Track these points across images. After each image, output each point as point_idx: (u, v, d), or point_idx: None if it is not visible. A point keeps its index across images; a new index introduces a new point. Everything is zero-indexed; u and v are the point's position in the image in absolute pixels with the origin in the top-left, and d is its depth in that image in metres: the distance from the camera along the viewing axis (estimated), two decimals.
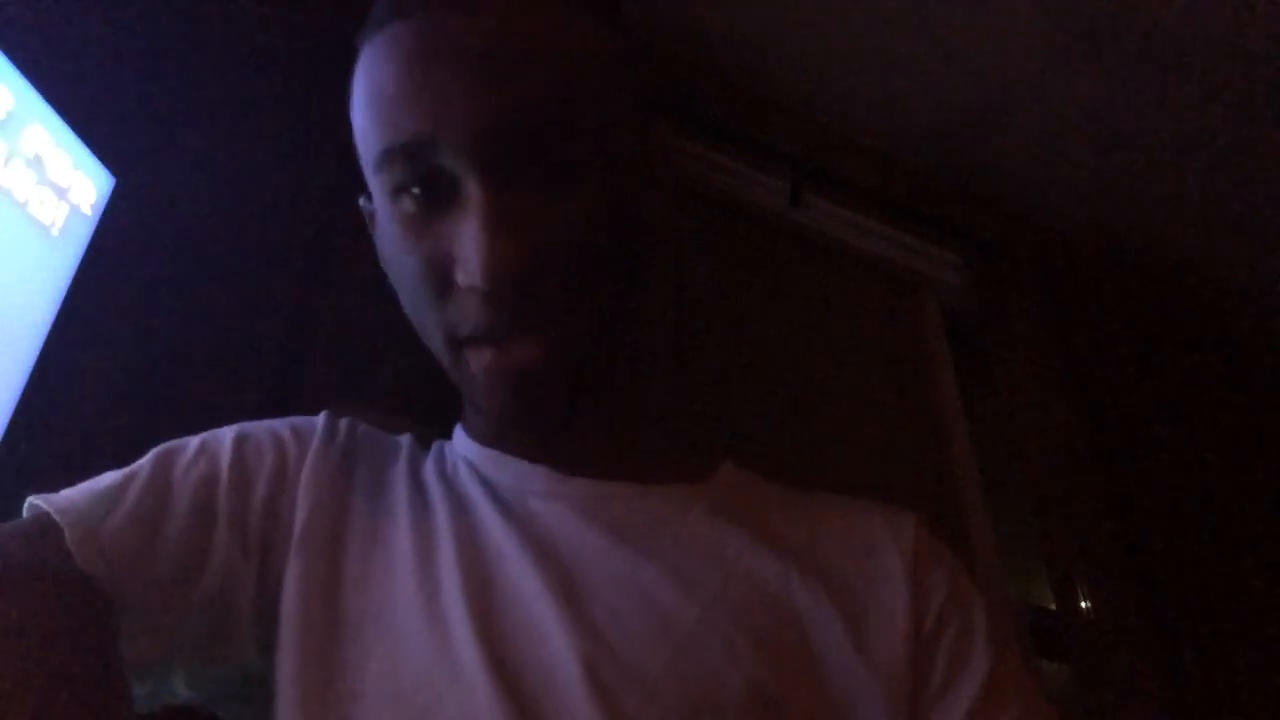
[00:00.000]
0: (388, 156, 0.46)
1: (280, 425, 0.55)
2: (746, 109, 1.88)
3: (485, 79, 0.44)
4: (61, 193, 0.97)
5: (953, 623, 0.50)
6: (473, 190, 0.44)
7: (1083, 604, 1.59)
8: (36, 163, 0.94)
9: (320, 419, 0.56)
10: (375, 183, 0.49)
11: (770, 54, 1.86)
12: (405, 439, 0.58)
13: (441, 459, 0.57)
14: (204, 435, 0.52)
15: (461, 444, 0.58)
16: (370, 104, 0.47)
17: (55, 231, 0.96)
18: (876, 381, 1.73)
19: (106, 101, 1.12)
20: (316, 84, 1.32)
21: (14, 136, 0.92)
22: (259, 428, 0.54)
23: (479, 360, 0.47)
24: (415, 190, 0.46)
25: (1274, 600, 1.83)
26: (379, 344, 1.34)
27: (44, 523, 0.44)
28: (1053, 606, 1.63)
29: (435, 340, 0.50)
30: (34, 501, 0.46)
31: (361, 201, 0.57)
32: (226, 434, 0.52)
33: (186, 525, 0.46)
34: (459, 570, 0.47)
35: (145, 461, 0.49)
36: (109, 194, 1.05)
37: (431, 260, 0.46)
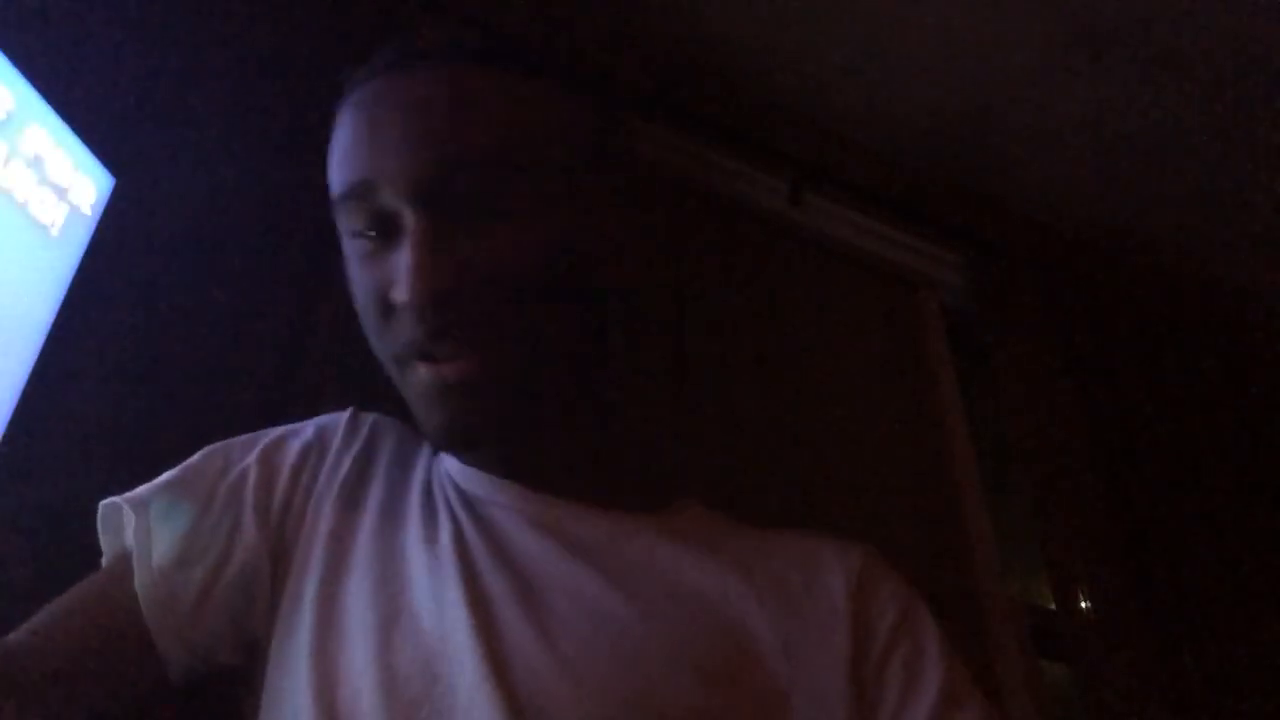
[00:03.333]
0: (342, 199, 0.54)
1: (307, 425, 0.63)
2: (746, 109, 1.88)
3: (417, 132, 0.51)
4: (61, 193, 0.97)
5: (902, 645, 0.53)
6: (408, 223, 0.51)
7: (1083, 604, 1.59)
8: (36, 163, 0.94)
9: (344, 417, 0.64)
10: (339, 222, 0.56)
11: (770, 54, 1.86)
12: (426, 446, 0.64)
13: (445, 488, 0.62)
14: (244, 437, 0.62)
15: (445, 458, 0.64)
16: (332, 156, 0.56)
17: (55, 232, 0.96)
18: (876, 382, 1.73)
19: (106, 101, 1.12)
20: (316, 84, 1.31)
21: (14, 136, 0.92)
22: (287, 430, 0.62)
23: (418, 376, 0.53)
24: (369, 232, 0.53)
25: (1274, 600, 1.83)
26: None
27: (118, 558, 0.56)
28: (1053, 606, 1.63)
29: (384, 358, 0.56)
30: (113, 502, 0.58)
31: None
32: (260, 436, 0.62)
33: (217, 522, 0.56)
34: (426, 566, 0.54)
35: (194, 460, 0.60)
36: (109, 194, 1.05)
37: (378, 286, 0.53)
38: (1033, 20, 1.74)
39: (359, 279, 0.55)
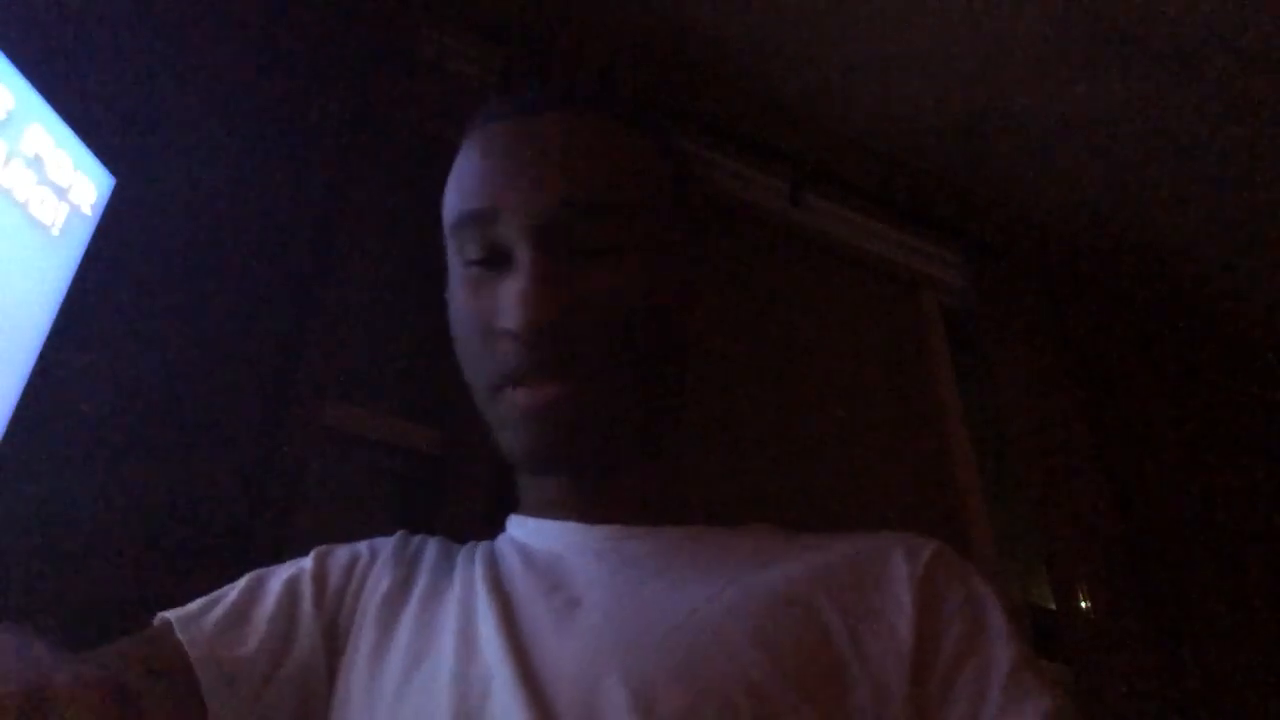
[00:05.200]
0: (460, 223, 0.57)
1: (360, 542, 0.64)
2: (747, 109, 1.88)
3: (543, 172, 0.55)
4: (61, 193, 0.97)
5: (973, 656, 0.50)
6: (522, 255, 0.54)
7: (1083, 604, 1.59)
8: (36, 163, 0.94)
9: (394, 537, 0.66)
10: (450, 248, 0.60)
11: (770, 54, 1.86)
12: (471, 543, 0.66)
13: (490, 549, 0.64)
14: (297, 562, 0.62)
15: (510, 525, 0.66)
16: (456, 182, 0.60)
17: (55, 231, 0.96)
18: (876, 382, 1.73)
19: (106, 101, 1.12)
20: (316, 84, 1.32)
21: (14, 136, 0.92)
22: (341, 545, 0.64)
23: (512, 400, 0.55)
24: (478, 257, 0.57)
25: (1274, 600, 1.83)
26: (379, 343, 1.34)
27: (161, 621, 0.54)
28: (1053, 606, 1.63)
29: (479, 383, 0.58)
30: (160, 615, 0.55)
31: (446, 294, 0.68)
32: (313, 551, 0.62)
33: (275, 613, 0.56)
34: (490, 611, 0.54)
35: (245, 577, 0.59)
36: (109, 194, 1.05)
37: (483, 312, 0.56)
38: (1033, 21, 1.74)
39: (463, 303, 0.58)
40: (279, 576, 0.58)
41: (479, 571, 0.58)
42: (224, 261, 1.15)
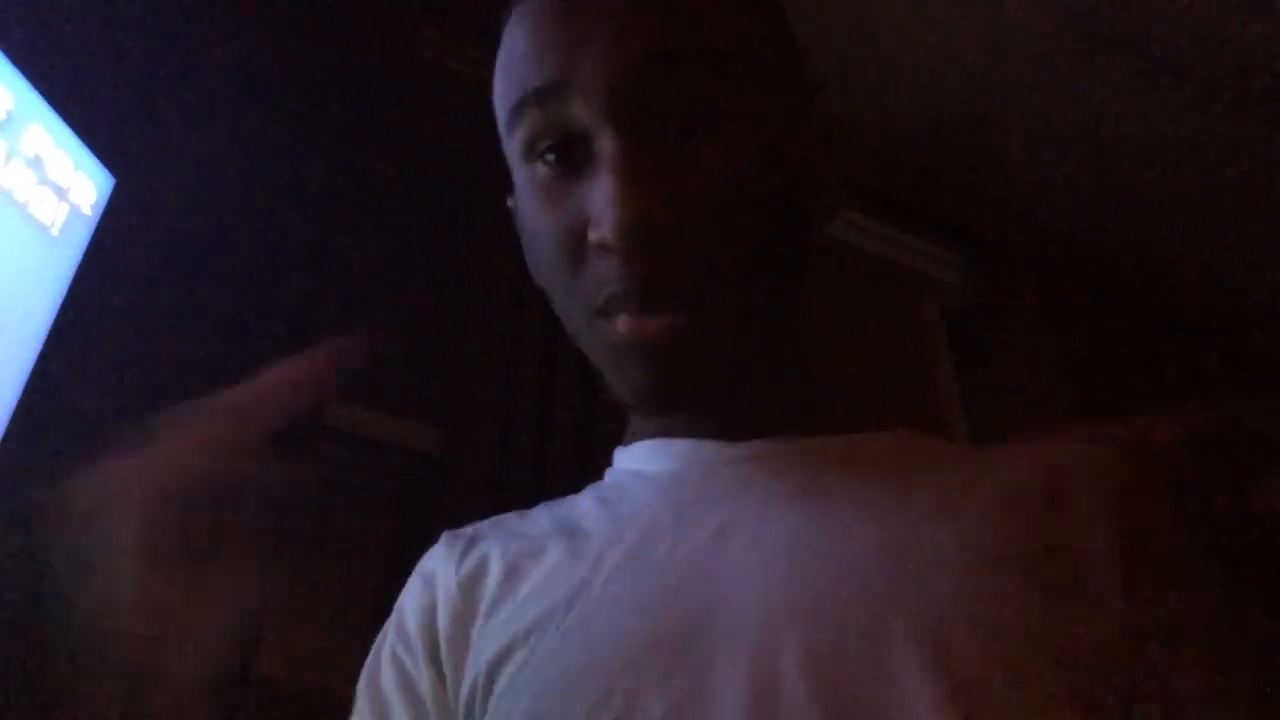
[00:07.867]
0: (520, 108, 0.44)
1: (412, 581, 0.52)
2: None
3: (618, 26, 0.42)
4: (61, 193, 0.98)
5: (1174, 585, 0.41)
6: (606, 143, 0.42)
7: None
8: (36, 163, 0.95)
9: (439, 545, 0.53)
10: (511, 148, 0.47)
11: None
12: (543, 504, 0.56)
13: (599, 488, 0.54)
14: (380, 639, 0.52)
15: (621, 458, 0.55)
16: (506, 64, 0.47)
17: (55, 231, 0.96)
18: (877, 382, 1.73)
19: (106, 101, 1.12)
20: (316, 84, 1.32)
21: (14, 136, 0.92)
22: (403, 600, 0.52)
23: (612, 330, 0.44)
24: (549, 155, 0.44)
25: (1274, 599, 1.82)
26: (379, 343, 1.34)
27: None
28: None
29: (572, 314, 0.47)
30: None
31: (509, 201, 0.55)
32: (389, 624, 0.52)
33: (403, 707, 0.47)
34: (618, 558, 0.45)
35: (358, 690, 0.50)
36: (109, 194, 1.05)
37: (567, 224, 0.44)
38: (1033, 21, 1.74)
39: (538, 215, 0.45)
40: (384, 668, 0.49)
41: (593, 526, 0.48)
42: (223, 261, 1.15)
